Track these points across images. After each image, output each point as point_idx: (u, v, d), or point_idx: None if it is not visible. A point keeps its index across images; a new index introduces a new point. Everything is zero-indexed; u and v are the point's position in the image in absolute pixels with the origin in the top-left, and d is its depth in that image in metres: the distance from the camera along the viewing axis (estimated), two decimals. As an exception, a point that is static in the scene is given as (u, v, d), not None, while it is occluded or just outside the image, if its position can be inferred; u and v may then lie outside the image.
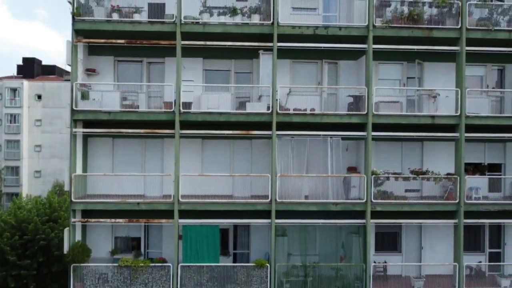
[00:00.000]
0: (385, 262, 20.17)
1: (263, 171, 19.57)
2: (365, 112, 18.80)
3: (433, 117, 19.14)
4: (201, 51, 19.96)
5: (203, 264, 18.23)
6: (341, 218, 19.18)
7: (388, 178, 19.23)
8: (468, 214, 19.56)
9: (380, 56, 19.93)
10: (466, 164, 20.79)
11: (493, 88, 21.16)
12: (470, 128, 19.58)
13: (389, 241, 21.01)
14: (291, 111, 18.92)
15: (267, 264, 18.40)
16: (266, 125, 18.90)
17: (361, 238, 19.11)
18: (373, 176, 18.85)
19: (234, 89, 19.97)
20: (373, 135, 18.86)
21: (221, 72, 20.62)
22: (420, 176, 19.40)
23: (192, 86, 19.44)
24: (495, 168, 21.59)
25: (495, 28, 19.24)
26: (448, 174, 19.66)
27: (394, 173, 19.55)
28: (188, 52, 19.57)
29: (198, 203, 18.59)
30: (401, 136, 19.27)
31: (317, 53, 20.01)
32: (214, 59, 20.35)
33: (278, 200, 18.57)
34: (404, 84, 20.91)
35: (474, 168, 21.10)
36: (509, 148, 21.28)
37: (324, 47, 19.15)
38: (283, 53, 19.55)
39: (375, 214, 19.19)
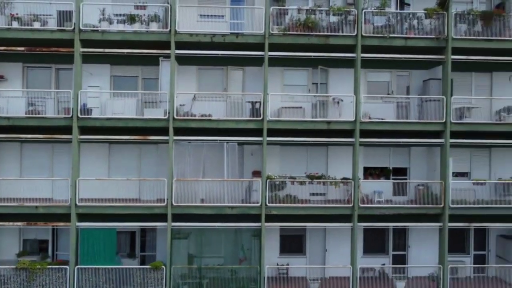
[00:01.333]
0: (288, 264, 20.61)
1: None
2: (260, 118, 19.23)
3: (328, 122, 19.53)
4: (108, 58, 20.35)
5: (99, 266, 18.65)
6: (241, 221, 19.59)
7: (284, 182, 19.65)
8: (371, 218, 19.99)
9: (284, 62, 20.46)
10: (372, 168, 21.44)
11: (390, 93, 21.54)
12: (374, 133, 20.01)
13: (295, 244, 21.43)
14: (189, 117, 19.36)
15: (163, 266, 18.81)
16: (167, 131, 19.31)
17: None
18: (268, 180, 19.24)
19: (142, 95, 20.40)
20: (268, 140, 19.24)
21: (129, 78, 21.04)
22: (316, 180, 19.79)
23: (98, 92, 19.90)
24: (402, 172, 22.01)
25: (391, 35, 19.63)
26: (344, 178, 20.07)
27: (291, 177, 19.96)
28: (95, 58, 20.02)
29: (96, 207, 19.00)
30: (295, 141, 19.66)
31: (223, 60, 20.41)
32: (121, 66, 20.76)
33: (174, 203, 18.99)
34: (310, 89, 21.34)
35: (380, 172, 21.53)
36: (413, 153, 21.68)
37: (222, 55, 19.58)
38: (187, 60, 20.05)
39: (277, 218, 19.60)
